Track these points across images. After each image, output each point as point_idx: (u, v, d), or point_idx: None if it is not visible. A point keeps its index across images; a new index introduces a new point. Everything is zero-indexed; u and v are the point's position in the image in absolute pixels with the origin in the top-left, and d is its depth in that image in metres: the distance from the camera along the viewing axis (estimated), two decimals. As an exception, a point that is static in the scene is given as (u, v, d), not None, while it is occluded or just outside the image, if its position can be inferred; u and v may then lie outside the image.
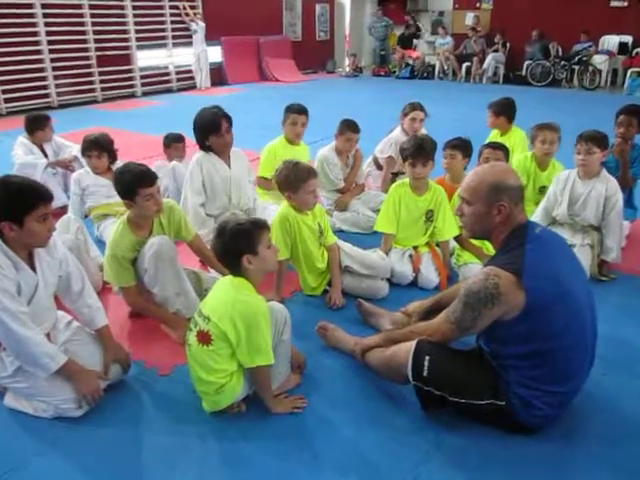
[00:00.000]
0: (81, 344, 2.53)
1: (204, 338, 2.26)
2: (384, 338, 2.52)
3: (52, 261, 2.42)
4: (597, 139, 3.55)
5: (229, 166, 3.72)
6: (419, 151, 3.45)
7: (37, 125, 4.84)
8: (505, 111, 4.77)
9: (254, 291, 2.30)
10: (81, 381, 2.34)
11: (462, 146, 3.86)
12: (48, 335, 2.43)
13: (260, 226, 2.33)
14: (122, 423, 2.36)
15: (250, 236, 2.26)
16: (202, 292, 3.11)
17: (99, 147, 4.00)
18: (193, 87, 12.80)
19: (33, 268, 2.33)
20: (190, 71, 12.82)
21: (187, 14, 12.36)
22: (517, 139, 4.77)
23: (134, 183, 2.79)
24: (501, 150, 3.70)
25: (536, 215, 3.78)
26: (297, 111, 4.31)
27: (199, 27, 12.36)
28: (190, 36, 12.49)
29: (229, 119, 3.62)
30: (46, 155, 4.90)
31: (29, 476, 2.10)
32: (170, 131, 5.15)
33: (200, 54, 12.53)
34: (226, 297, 2.27)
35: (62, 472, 2.12)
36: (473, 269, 3.39)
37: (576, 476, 2.11)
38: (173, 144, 4.93)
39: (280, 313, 2.46)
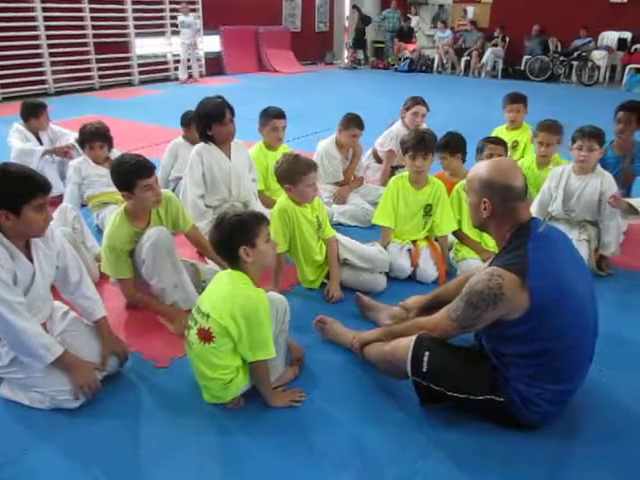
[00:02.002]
0: (78, 335, 2.51)
1: (205, 336, 2.24)
2: (383, 332, 2.51)
3: (49, 252, 2.40)
4: (598, 136, 3.54)
5: (229, 157, 3.69)
6: (420, 144, 3.42)
7: (31, 113, 4.78)
8: (526, 104, 4.80)
9: (253, 284, 2.28)
10: (78, 373, 2.32)
11: (448, 145, 3.77)
12: (44, 325, 2.42)
13: (259, 219, 2.31)
14: (119, 415, 2.34)
15: (249, 228, 2.25)
16: (200, 284, 3.10)
17: (101, 137, 3.95)
18: (190, 76, 12.69)
19: (30, 258, 2.31)
20: (189, 60, 12.68)
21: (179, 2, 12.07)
22: (529, 136, 4.73)
23: (132, 174, 2.76)
24: (502, 145, 3.67)
25: (532, 210, 3.74)
26: (278, 116, 4.10)
27: (189, 19, 11.94)
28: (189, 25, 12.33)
29: (232, 109, 3.59)
30: (41, 143, 4.85)
31: (24, 468, 2.08)
32: (166, 121, 5.11)
33: (188, 45, 12.09)
34: (225, 292, 2.25)
35: (57, 465, 2.10)
36: (472, 264, 3.39)
37: (574, 472, 2.10)
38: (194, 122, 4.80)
39: (280, 303, 2.46)
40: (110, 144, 4.06)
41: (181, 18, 11.88)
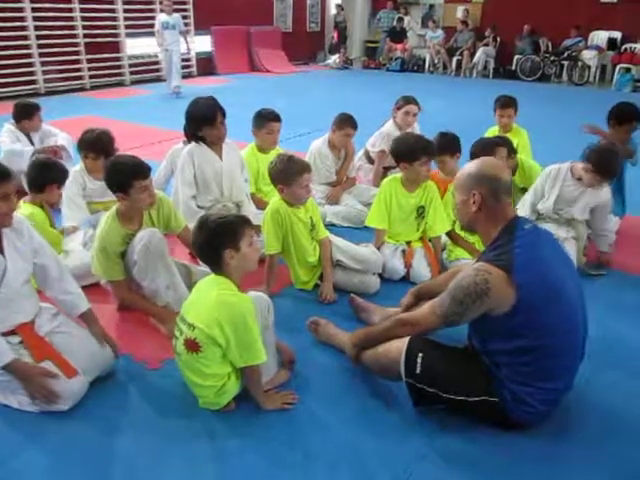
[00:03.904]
0: (68, 337, 2.49)
1: (192, 346, 2.22)
2: (367, 333, 2.47)
3: (23, 246, 2.37)
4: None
5: (221, 158, 3.68)
6: (432, 149, 3.42)
7: (24, 115, 4.74)
8: (517, 108, 4.73)
9: (236, 289, 2.25)
10: (27, 382, 2.27)
11: (447, 147, 3.71)
12: (32, 324, 2.40)
13: (243, 221, 2.28)
14: (109, 418, 2.32)
15: (233, 230, 2.22)
16: (192, 285, 3.06)
17: (97, 150, 3.67)
18: (184, 76, 12.55)
19: (1, 251, 2.28)
20: (182, 59, 12.47)
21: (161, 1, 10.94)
22: (524, 139, 4.69)
23: (129, 176, 2.73)
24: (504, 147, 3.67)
25: (524, 210, 3.72)
26: (275, 118, 4.09)
27: (173, 19, 10.28)
28: (186, 24, 12.12)
29: (223, 111, 3.58)
30: (32, 143, 4.82)
31: (12, 471, 2.05)
32: (157, 121, 5.07)
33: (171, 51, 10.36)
34: (209, 300, 2.21)
35: (46, 469, 2.08)
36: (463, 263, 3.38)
37: (568, 473, 2.10)
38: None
39: (262, 300, 2.46)
40: (108, 155, 3.64)
41: (163, 18, 10.18)
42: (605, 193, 3.58)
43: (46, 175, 3.39)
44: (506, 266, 2.02)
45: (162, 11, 10.48)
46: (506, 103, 4.68)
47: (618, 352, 2.84)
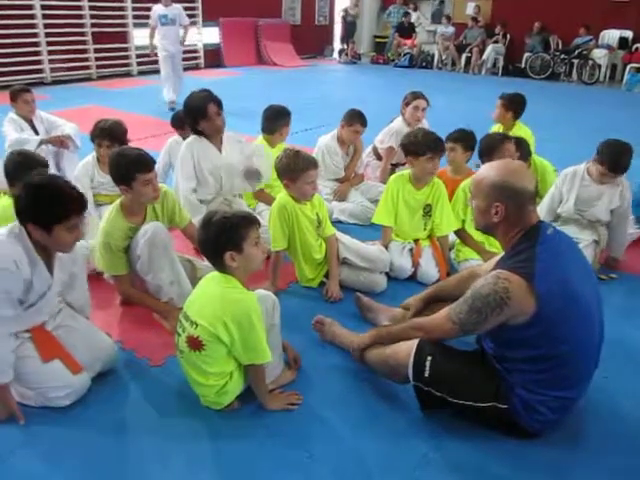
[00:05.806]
0: (69, 330, 2.45)
1: (195, 344, 2.17)
2: (379, 334, 2.43)
3: (67, 258, 2.35)
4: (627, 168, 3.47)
5: (220, 151, 3.63)
6: (438, 146, 3.38)
7: (11, 99, 4.75)
8: (514, 107, 4.66)
9: (241, 287, 2.21)
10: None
11: (462, 139, 3.79)
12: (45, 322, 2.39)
13: (248, 221, 2.21)
14: (110, 416, 2.28)
15: (236, 231, 2.15)
16: (196, 281, 3.02)
17: (111, 137, 3.67)
18: (191, 67, 12.53)
19: (50, 269, 2.26)
20: (190, 51, 12.44)
21: None
22: (527, 137, 4.62)
23: (132, 168, 2.69)
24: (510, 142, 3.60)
25: (541, 213, 3.65)
26: (289, 113, 4.12)
27: (173, 11, 8.35)
28: (194, 15, 12.09)
29: (218, 102, 3.52)
30: (37, 132, 4.78)
31: (11, 467, 2.02)
32: (164, 113, 5.02)
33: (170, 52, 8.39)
34: (213, 297, 2.17)
35: (45, 466, 2.04)
36: (473, 265, 3.32)
37: (577, 482, 2.06)
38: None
39: (269, 298, 2.41)
40: (121, 145, 3.63)
41: (160, 11, 8.26)
42: (626, 193, 3.53)
43: (30, 169, 3.35)
44: (528, 274, 1.95)
45: (158, 1, 8.43)
46: (501, 95, 4.72)
47: (629, 357, 2.78)
